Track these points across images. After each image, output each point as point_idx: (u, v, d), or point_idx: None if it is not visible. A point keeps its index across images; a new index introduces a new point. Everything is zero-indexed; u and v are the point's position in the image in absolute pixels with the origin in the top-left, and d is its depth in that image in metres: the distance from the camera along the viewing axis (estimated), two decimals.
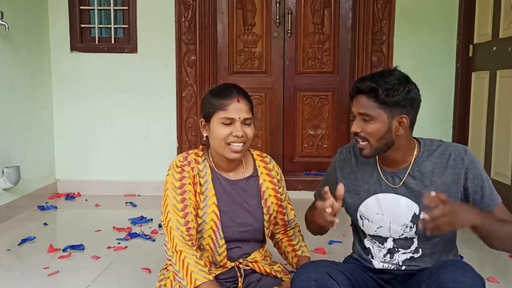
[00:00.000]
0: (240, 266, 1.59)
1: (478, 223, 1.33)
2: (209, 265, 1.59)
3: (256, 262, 1.62)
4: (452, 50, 3.76)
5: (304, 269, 1.44)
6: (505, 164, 3.04)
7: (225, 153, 1.54)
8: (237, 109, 1.51)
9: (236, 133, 1.50)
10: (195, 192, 1.56)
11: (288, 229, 1.76)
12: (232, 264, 1.59)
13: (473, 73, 3.57)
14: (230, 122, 1.51)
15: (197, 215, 1.55)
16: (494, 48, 3.23)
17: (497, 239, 1.40)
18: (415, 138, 1.54)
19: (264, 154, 1.72)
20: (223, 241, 1.56)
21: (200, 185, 1.57)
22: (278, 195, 1.67)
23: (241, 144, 1.52)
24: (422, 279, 1.35)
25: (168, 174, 1.58)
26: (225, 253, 1.57)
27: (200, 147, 1.67)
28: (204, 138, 1.59)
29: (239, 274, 1.58)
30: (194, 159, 1.60)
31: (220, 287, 1.53)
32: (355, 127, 1.46)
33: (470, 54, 3.60)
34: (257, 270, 1.61)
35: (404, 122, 1.44)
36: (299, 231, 1.78)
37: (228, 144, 1.52)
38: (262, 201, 1.62)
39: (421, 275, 1.39)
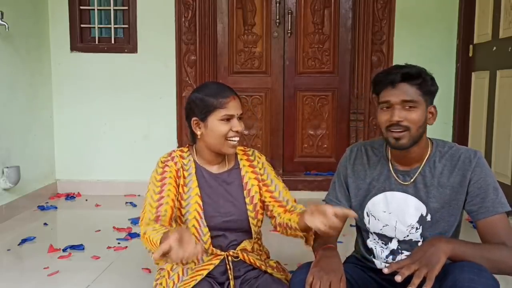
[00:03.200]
0: (230, 257, 1.61)
1: (450, 254, 1.30)
2: (201, 253, 1.61)
3: (245, 251, 1.64)
4: (452, 50, 3.76)
5: (302, 270, 1.43)
6: (505, 164, 3.04)
7: (224, 149, 1.61)
8: (235, 106, 1.59)
9: (235, 128, 1.59)
10: (178, 185, 1.62)
11: (289, 209, 1.67)
12: (223, 253, 1.61)
13: (473, 73, 3.57)
14: (229, 118, 1.58)
15: (181, 207, 1.62)
16: (494, 48, 3.24)
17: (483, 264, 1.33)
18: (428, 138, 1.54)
19: (248, 148, 1.77)
20: (207, 229, 1.60)
21: (184, 177, 1.64)
22: (264, 187, 1.69)
23: (238, 138, 1.61)
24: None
25: (153, 171, 1.65)
26: (209, 241, 1.61)
27: (186, 146, 1.74)
28: (199, 137, 1.63)
29: (228, 267, 1.61)
30: (179, 154, 1.68)
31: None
32: (398, 116, 1.41)
33: (470, 54, 3.60)
34: (247, 261, 1.63)
35: (433, 112, 1.46)
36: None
37: (227, 139, 1.59)
38: (245, 191, 1.67)
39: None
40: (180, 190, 1.62)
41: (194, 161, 1.67)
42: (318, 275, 1.33)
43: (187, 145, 1.73)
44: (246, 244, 1.65)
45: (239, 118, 1.61)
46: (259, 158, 1.74)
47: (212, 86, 1.66)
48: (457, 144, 1.53)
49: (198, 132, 1.62)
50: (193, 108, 1.62)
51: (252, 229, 1.66)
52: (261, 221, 1.71)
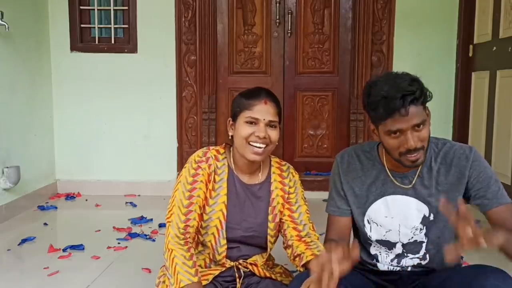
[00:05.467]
0: (240, 267, 1.59)
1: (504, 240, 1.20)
2: (209, 261, 1.60)
3: (256, 265, 1.61)
4: (452, 50, 3.76)
5: (300, 276, 1.41)
6: (505, 164, 3.04)
7: (246, 153, 1.53)
8: (263, 110, 1.52)
9: (258, 133, 1.51)
10: (207, 189, 1.57)
11: (303, 236, 1.61)
12: (232, 263, 1.59)
13: (473, 73, 3.57)
14: (254, 122, 1.52)
15: (204, 212, 1.56)
16: (494, 48, 3.24)
17: None
18: None
19: (283, 162, 1.69)
20: (225, 241, 1.57)
21: (215, 182, 1.57)
22: (287, 204, 1.63)
23: (263, 146, 1.52)
24: (452, 284, 1.29)
25: (185, 167, 1.59)
26: (224, 253, 1.57)
27: (223, 144, 1.67)
28: (230, 137, 1.59)
29: (237, 275, 1.58)
30: (214, 155, 1.60)
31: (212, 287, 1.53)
32: (414, 141, 1.34)
33: (470, 54, 3.60)
34: (257, 273, 1.60)
35: (429, 114, 1.41)
36: (318, 239, 1.64)
37: (249, 143, 1.52)
38: (270, 208, 1.61)
39: (450, 280, 1.33)
40: (208, 194, 1.56)
41: (229, 165, 1.61)
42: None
43: (224, 144, 1.66)
44: (257, 258, 1.62)
45: (271, 125, 1.53)
46: (293, 176, 1.66)
47: (252, 89, 1.60)
48: (449, 141, 1.52)
49: (230, 133, 1.58)
50: (231, 108, 1.60)
51: (268, 246, 1.63)
52: (277, 237, 1.67)
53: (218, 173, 1.58)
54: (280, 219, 1.63)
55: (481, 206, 1.44)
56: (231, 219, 1.57)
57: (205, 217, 1.57)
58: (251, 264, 1.61)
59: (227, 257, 1.59)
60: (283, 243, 1.64)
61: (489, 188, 1.42)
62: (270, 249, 1.65)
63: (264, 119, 1.51)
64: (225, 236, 1.56)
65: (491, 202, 1.41)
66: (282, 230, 1.63)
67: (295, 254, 1.55)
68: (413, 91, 1.32)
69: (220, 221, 1.56)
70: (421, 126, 1.36)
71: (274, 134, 1.53)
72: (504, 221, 1.39)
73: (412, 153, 1.36)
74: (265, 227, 1.60)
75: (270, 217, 1.61)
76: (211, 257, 1.60)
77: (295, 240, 1.58)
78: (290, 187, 1.64)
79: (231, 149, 1.63)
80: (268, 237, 1.61)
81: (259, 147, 1.51)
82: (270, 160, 1.67)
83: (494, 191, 1.42)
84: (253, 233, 1.59)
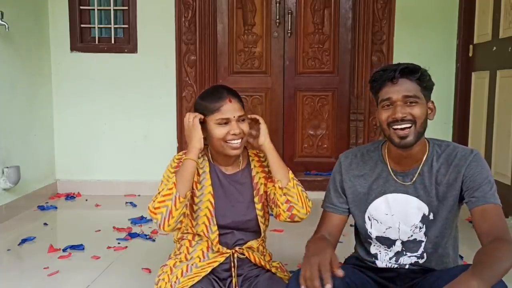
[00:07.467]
0: (236, 254, 1.63)
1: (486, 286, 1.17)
2: (206, 250, 1.64)
3: (252, 250, 1.66)
4: (452, 50, 3.77)
5: (299, 273, 1.42)
6: (505, 164, 3.04)
7: (225, 151, 1.61)
8: (230, 109, 1.59)
9: (233, 131, 1.58)
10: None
11: None
12: (228, 251, 1.63)
13: (473, 73, 3.57)
14: (226, 122, 1.58)
15: (193, 203, 1.63)
16: (494, 48, 3.24)
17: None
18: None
19: (261, 154, 1.76)
20: (216, 227, 1.62)
21: (198, 175, 1.65)
22: (270, 178, 1.69)
23: (239, 140, 1.60)
24: (443, 283, 1.26)
25: (167, 167, 1.68)
26: (217, 239, 1.63)
27: None
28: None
29: (232, 265, 1.62)
30: None
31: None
32: (401, 112, 1.39)
33: (470, 54, 3.60)
34: (252, 259, 1.64)
35: (432, 108, 1.46)
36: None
37: (227, 142, 1.59)
38: (255, 191, 1.68)
39: (442, 279, 1.32)
40: (193, 187, 1.62)
41: (209, 160, 1.69)
42: (306, 262, 1.30)
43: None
44: (252, 243, 1.67)
45: (240, 120, 1.60)
46: None
47: (209, 90, 1.68)
48: (454, 143, 1.53)
49: (203, 135, 1.63)
50: (195, 111, 1.65)
51: (261, 228, 1.68)
52: (268, 220, 1.73)
53: (200, 167, 1.67)
54: (266, 192, 1.68)
55: (468, 204, 1.43)
56: (219, 207, 1.64)
57: (195, 207, 1.63)
58: (247, 249, 1.65)
59: (222, 243, 1.64)
60: (272, 210, 1.67)
61: (480, 187, 1.41)
62: (264, 231, 1.70)
63: (234, 117, 1.59)
64: (215, 222, 1.62)
65: (478, 200, 1.40)
66: (270, 202, 1.67)
67: (272, 194, 1.64)
68: (408, 66, 1.42)
69: (209, 210, 1.62)
70: (413, 102, 1.41)
71: (245, 126, 1.62)
72: (484, 221, 1.37)
73: (399, 124, 1.40)
74: (253, 209, 1.66)
75: (256, 199, 1.67)
76: (208, 244, 1.64)
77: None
78: (269, 167, 1.70)
79: (208, 147, 1.70)
80: (258, 217, 1.66)
81: (236, 142, 1.60)
82: (248, 151, 1.75)
83: (483, 190, 1.41)
84: (242, 218, 1.65)
